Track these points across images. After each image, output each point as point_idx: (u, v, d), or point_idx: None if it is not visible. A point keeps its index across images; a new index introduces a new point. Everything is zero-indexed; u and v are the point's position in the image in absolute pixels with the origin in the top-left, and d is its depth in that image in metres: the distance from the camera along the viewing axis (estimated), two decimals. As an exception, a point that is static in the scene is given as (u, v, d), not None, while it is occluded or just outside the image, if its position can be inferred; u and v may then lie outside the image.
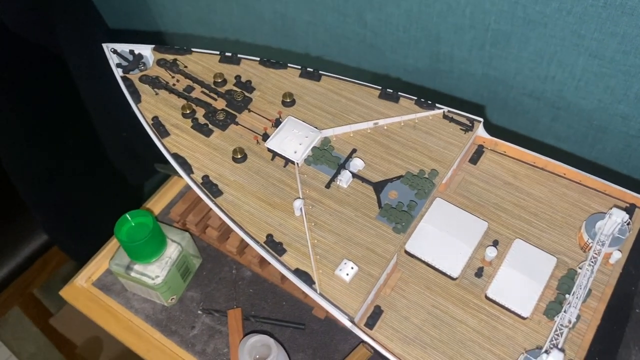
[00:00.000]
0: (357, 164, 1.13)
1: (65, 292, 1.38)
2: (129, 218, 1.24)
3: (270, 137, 1.15)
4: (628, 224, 1.03)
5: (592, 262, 0.98)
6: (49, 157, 2.13)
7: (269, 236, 1.03)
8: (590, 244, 1.02)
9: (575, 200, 1.11)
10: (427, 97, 1.22)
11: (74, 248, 2.22)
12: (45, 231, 2.22)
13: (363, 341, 1.18)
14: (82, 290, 1.38)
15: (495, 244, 1.06)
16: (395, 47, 1.63)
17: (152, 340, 1.29)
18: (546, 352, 0.88)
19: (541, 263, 1.02)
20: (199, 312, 1.32)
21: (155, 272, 1.25)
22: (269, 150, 1.15)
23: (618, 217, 1.00)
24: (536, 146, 1.53)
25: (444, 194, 1.14)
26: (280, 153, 1.13)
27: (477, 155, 1.18)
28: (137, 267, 1.25)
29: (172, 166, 1.13)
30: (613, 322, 0.98)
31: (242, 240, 1.29)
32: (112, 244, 1.45)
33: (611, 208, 1.01)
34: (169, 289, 1.29)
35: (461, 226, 1.07)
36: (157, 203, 1.52)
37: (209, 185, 1.10)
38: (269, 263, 1.27)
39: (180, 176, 1.46)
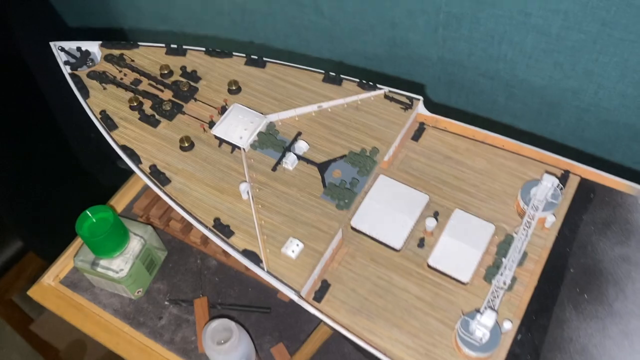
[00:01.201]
0: (302, 147, 1.16)
1: (34, 292, 1.40)
2: (90, 214, 1.25)
3: (217, 124, 1.18)
4: (561, 188, 1.07)
5: (526, 226, 1.02)
6: (17, 160, 2.13)
7: (217, 220, 1.06)
8: (526, 210, 1.06)
9: (513, 169, 1.16)
10: (386, 83, 1.24)
11: (48, 250, 2.22)
12: (19, 235, 2.22)
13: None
14: (49, 288, 1.40)
15: (435, 215, 1.10)
16: (353, 34, 1.65)
17: (121, 333, 1.31)
18: (480, 313, 0.93)
19: (480, 231, 1.07)
20: (166, 302, 1.34)
21: (119, 265, 1.27)
22: (216, 137, 1.17)
23: (548, 182, 1.04)
24: (493, 125, 1.64)
25: (387, 171, 1.17)
26: (226, 139, 1.16)
27: (418, 132, 1.22)
28: (102, 262, 1.27)
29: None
30: (549, 283, 1.03)
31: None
32: (78, 242, 1.47)
33: (543, 174, 1.06)
34: (135, 281, 1.31)
35: (403, 200, 1.11)
36: (121, 199, 1.54)
37: (157, 174, 1.12)
38: None
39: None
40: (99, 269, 1.27)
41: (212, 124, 1.19)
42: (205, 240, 1.37)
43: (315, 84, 1.24)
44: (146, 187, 1.51)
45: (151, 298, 1.35)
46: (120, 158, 1.49)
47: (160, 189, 1.10)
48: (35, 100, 2.11)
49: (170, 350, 1.27)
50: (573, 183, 1.13)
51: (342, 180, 1.10)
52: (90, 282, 1.37)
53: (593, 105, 1.44)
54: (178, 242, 1.44)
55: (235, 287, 1.35)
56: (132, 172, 1.55)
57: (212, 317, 1.25)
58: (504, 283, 0.97)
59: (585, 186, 1.13)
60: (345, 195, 1.08)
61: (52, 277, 1.40)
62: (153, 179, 1.11)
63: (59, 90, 2.08)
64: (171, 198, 1.09)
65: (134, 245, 1.29)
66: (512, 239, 1.05)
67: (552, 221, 1.07)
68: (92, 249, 1.26)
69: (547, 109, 1.54)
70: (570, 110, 1.50)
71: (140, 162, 1.14)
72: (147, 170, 1.13)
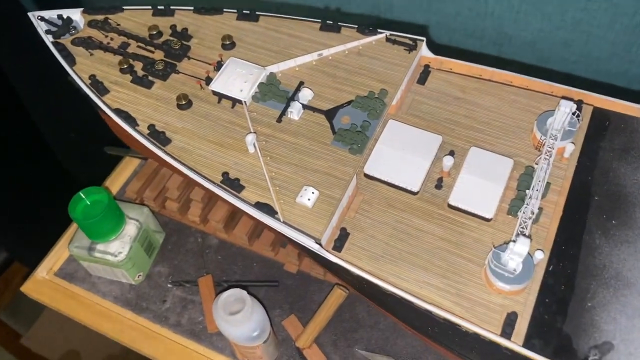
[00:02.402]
0: (306, 95, 1.11)
1: (27, 287, 1.33)
2: (83, 196, 1.19)
3: (214, 79, 1.12)
4: (578, 116, 1.04)
5: (547, 155, 0.99)
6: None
7: (225, 174, 1.01)
8: (544, 141, 1.03)
9: (525, 105, 1.12)
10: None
11: (35, 259, 2.14)
12: (2, 245, 2.13)
13: (337, 283, 1.18)
14: (44, 282, 1.33)
15: (451, 154, 1.06)
16: (337, 2, 1.60)
17: (124, 320, 1.26)
18: (513, 241, 0.89)
19: (498, 166, 1.03)
20: (169, 285, 1.29)
21: (117, 249, 1.21)
22: (214, 93, 1.12)
23: (566, 107, 1.01)
24: None
25: (396, 116, 1.13)
26: (226, 94, 1.10)
27: (424, 75, 1.18)
28: (98, 246, 1.21)
29: (122, 147, 1.08)
30: (574, 212, 0.99)
31: (205, 208, 1.27)
32: (70, 230, 1.40)
33: (559, 102, 1.02)
34: (134, 265, 1.25)
35: (416, 143, 1.07)
36: (112, 184, 1.47)
37: (155, 135, 1.06)
38: (234, 227, 1.26)
39: (132, 155, 1.43)
40: (96, 254, 1.21)
41: (209, 81, 1.13)
42: (204, 218, 1.32)
43: (312, 33, 1.19)
44: (137, 171, 1.45)
45: (152, 282, 1.30)
46: (108, 144, 1.43)
47: (161, 149, 1.04)
48: (11, 102, 2.02)
49: (177, 333, 1.22)
50: (587, 112, 1.10)
51: (353, 124, 1.06)
52: (87, 271, 1.31)
53: (583, 56, 1.42)
54: (175, 224, 1.38)
55: (239, 264, 1.31)
56: (121, 158, 1.49)
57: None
58: (532, 212, 0.93)
59: (600, 115, 1.11)
60: (357, 139, 1.03)
61: (46, 270, 1.34)
62: (153, 140, 1.05)
63: (35, 90, 2.00)
64: (174, 157, 1.03)
65: (131, 228, 1.23)
66: (532, 170, 1.02)
67: (571, 150, 1.03)
68: (88, 233, 1.20)
69: (537, 65, 1.52)
70: (561, 63, 1.47)
71: (137, 124, 1.08)
72: (146, 132, 1.07)
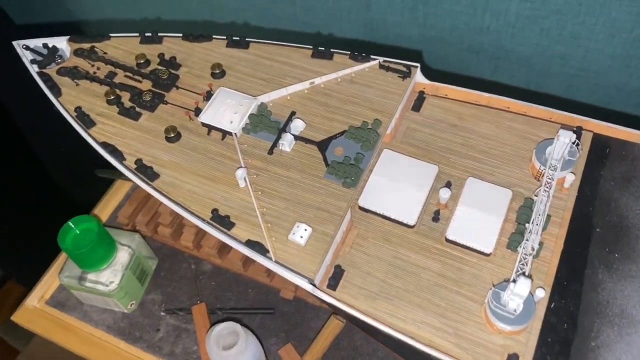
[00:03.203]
0: (298, 126, 1.08)
1: (18, 317, 1.30)
2: (72, 225, 1.16)
3: (203, 110, 1.09)
4: (577, 145, 1.01)
5: (547, 187, 0.96)
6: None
7: (214, 211, 0.98)
8: (543, 171, 1.00)
9: (523, 131, 1.10)
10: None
11: (30, 276, 2.11)
12: (-1, 264, 2.10)
13: (334, 312, 1.14)
14: (35, 311, 1.30)
15: (448, 185, 1.03)
16: (328, 21, 1.59)
17: (117, 350, 1.22)
18: (513, 281, 0.86)
19: (497, 197, 1.00)
20: (162, 313, 1.26)
21: (108, 278, 1.18)
22: (204, 124, 1.09)
23: (565, 137, 0.98)
24: None
25: (390, 144, 1.10)
26: (215, 125, 1.07)
27: (419, 102, 1.15)
28: (89, 276, 1.18)
29: (114, 170, 1.06)
30: (576, 245, 0.96)
31: (198, 233, 1.24)
32: (61, 259, 1.37)
33: (558, 131, 0.99)
34: (127, 294, 1.22)
35: (412, 173, 1.04)
36: (104, 209, 1.44)
37: (143, 169, 1.03)
38: (228, 252, 1.23)
39: (124, 178, 1.40)
40: (87, 284, 1.18)
41: (198, 111, 1.10)
42: (197, 244, 1.29)
43: (304, 61, 1.16)
44: (129, 194, 1.42)
45: (146, 310, 1.26)
46: (99, 166, 1.40)
47: (149, 184, 1.01)
48: (1, 121, 2.00)
49: (171, 363, 1.18)
50: (587, 139, 1.07)
51: (346, 156, 1.03)
52: (78, 299, 1.27)
53: (582, 70, 1.40)
54: (168, 249, 1.35)
55: (233, 290, 1.27)
56: (112, 181, 1.46)
57: (214, 323, 1.17)
58: (532, 249, 0.90)
59: (599, 141, 1.08)
60: (350, 172, 1.00)
61: (37, 298, 1.30)
62: (140, 175, 1.02)
63: (25, 108, 1.97)
64: (162, 193, 1.00)
65: (122, 255, 1.20)
66: (532, 202, 0.99)
67: (572, 180, 1.00)
68: (78, 263, 1.17)
69: (536, 79, 1.49)
70: (559, 77, 1.45)
71: (124, 159, 1.05)
72: (133, 166, 1.03)
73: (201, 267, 1.32)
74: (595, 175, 1.03)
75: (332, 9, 1.53)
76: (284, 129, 1.06)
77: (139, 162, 1.03)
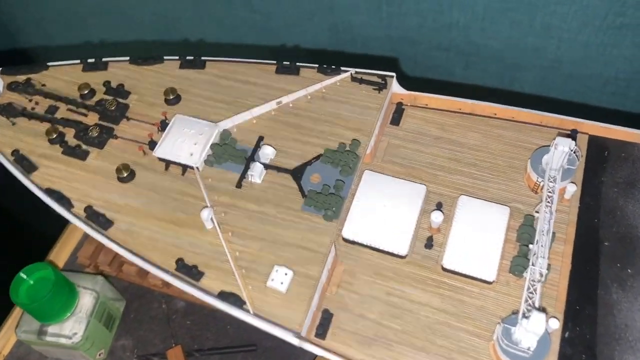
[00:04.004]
0: (267, 153, 0.97)
1: (-24, 375, 1.16)
2: (25, 276, 1.03)
3: (159, 143, 0.97)
4: (576, 152, 0.92)
5: (548, 202, 0.87)
6: None
7: (180, 261, 0.86)
8: (541, 183, 0.90)
9: (513, 139, 1.01)
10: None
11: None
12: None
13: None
14: (-7, 368, 1.16)
15: (439, 207, 0.93)
16: (290, 26, 1.51)
17: (87, 407, 1.09)
18: (524, 315, 0.76)
19: (493, 216, 0.91)
20: (134, 360, 1.14)
21: (72, 329, 1.06)
22: (160, 159, 0.96)
23: (564, 146, 0.89)
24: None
25: (371, 165, 1.00)
26: (173, 160, 0.95)
27: (397, 114, 1.05)
28: (50, 329, 1.05)
29: None
30: (585, 263, 0.87)
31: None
32: (16, 312, 1.24)
33: (554, 138, 0.90)
34: (94, 344, 1.09)
35: (398, 196, 0.94)
36: (60, 252, 1.30)
37: (94, 217, 0.91)
38: None
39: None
40: (47, 338, 1.05)
41: (153, 145, 0.98)
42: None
43: (268, 78, 1.05)
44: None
45: (116, 358, 1.14)
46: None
47: (102, 234, 0.89)
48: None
49: (149, 416, 1.06)
50: (582, 143, 0.99)
51: (324, 185, 0.92)
52: (41, 353, 1.14)
53: (556, 62, 1.36)
54: (136, 288, 1.23)
55: (211, 328, 1.15)
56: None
57: (192, 368, 1.06)
58: (540, 275, 0.80)
59: (597, 144, 1.00)
60: (331, 202, 0.89)
61: (-6, 354, 1.17)
62: (91, 224, 0.90)
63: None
64: (117, 243, 0.88)
65: (86, 301, 1.07)
66: (533, 219, 0.89)
67: (573, 191, 0.91)
68: (36, 316, 1.05)
69: (509, 73, 1.45)
70: (533, 70, 1.41)
71: (72, 206, 0.92)
72: (82, 214, 0.91)
73: (173, 305, 1.20)
74: (596, 182, 0.95)
75: (294, 13, 1.46)
76: (252, 157, 0.95)
77: (89, 209, 0.91)
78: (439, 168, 0.98)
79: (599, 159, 0.97)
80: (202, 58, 1.08)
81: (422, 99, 1.06)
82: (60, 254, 1.29)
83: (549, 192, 0.87)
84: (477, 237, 0.88)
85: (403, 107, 1.06)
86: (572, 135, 0.98)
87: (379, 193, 0.94)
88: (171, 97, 1.03)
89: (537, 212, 0.89)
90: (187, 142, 0.96)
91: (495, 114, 1.03)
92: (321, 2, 1.40)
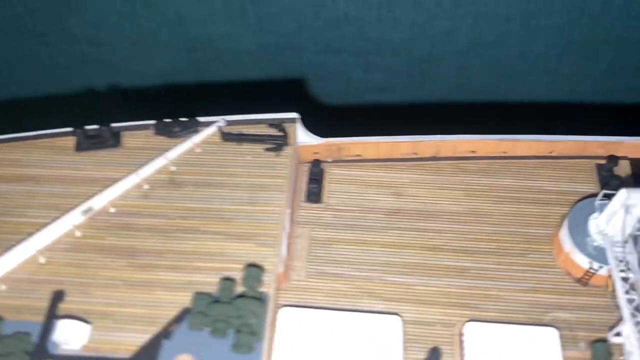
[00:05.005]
0: (67, 338, 0.48)
1: None
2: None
3: None
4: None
5: (635, 313, 0.45)
6: None
7: None
8: (597, 272, 0.50)
9: (518, 190, 0.63)
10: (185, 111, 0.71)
11: None
12: None
13: None
14: None
15: (434, 355, 0.50)
16: (130, 52, 1.20)
17: None
18: None
19: (536, 349, 0.49)
20: None
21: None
22: None
23: (637, 203, 0.48)
24: (356, 114, 1.34)
25: (289, 289, 0.55)
26: None
27: (315, 184, 0.60)
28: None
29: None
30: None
31: None
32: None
33: (600, 191, 0.51)
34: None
35: (365, 335, 0.49)
36: None
37: None
38: None
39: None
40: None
41: None
42: None
43: (64, 160, 0.57)
44: None
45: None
46: None
47: None
48: None
49: None
50: (624, 169, 0.63)
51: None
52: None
53: (474, 44, 1.17)
54: None
55: None
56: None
57: None
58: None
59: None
60: None
61: None
62: None
63: None
64: None
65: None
66: (606, 347, 0.48)
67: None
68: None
69: (419, 68, 1.24)
70: (447, 58, 1.22)
71: None
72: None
73: None
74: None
75: (132, 35, 1.16)
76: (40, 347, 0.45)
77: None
78: (406, 271, 0.58)
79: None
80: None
81: (351, 148, 0.64)
82: None
83: (627, 288, 0.46)
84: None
85: (321, 165, 0.62)
86: (610, 163, 0.60)
87: (315, 345, 0.49)
88: None
89: (617, 335, 0.47)
90: None
91: (475, 152, 0.62)
92: (165, 15, 1.12)
